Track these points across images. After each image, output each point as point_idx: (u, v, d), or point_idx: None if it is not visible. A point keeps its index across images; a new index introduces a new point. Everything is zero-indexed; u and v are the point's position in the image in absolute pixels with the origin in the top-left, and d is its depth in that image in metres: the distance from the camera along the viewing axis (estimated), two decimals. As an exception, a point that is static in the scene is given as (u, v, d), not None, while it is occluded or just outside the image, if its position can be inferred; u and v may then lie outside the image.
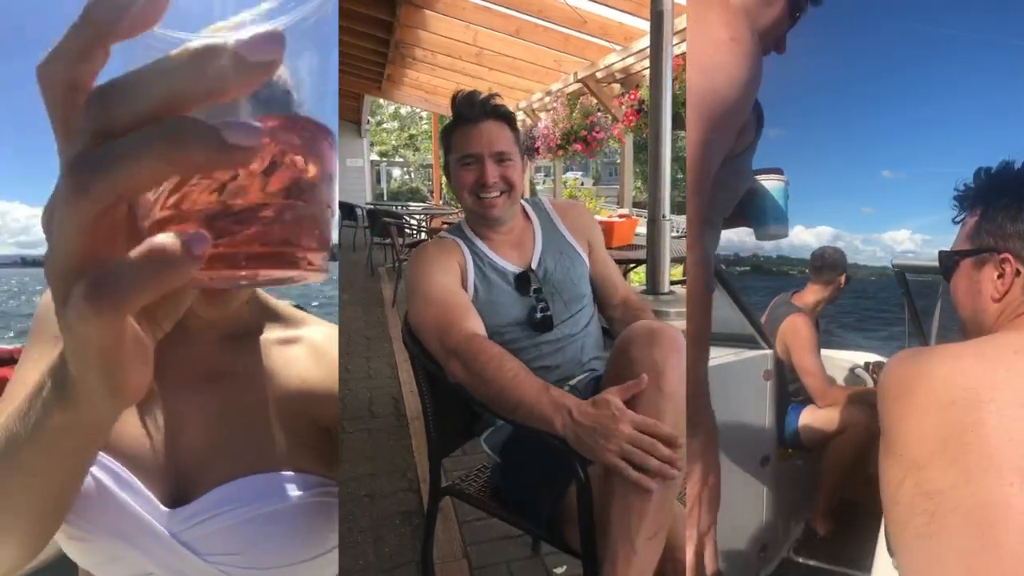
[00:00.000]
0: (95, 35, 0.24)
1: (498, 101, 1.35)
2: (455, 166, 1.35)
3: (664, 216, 2.37)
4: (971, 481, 0.61)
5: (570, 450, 1.00)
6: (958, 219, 0.87)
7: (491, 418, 1.30)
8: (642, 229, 3.35)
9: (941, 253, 0.88)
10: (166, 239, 0.23)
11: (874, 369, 2.29)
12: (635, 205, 6.64)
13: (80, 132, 0.24)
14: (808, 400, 1.99)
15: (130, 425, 0.65)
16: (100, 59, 0.25)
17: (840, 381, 2.32)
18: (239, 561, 0.62)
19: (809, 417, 1.97)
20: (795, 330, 1.98)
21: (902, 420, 0.68)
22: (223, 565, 0.62)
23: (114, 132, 0.23)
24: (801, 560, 1.91)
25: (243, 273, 0.26)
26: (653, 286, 2.40)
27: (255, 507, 0.62)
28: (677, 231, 2.69)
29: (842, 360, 2.38)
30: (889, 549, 1.08)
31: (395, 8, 5.35)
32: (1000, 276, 0.79)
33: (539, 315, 1.32)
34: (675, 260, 2.58)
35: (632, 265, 3.45)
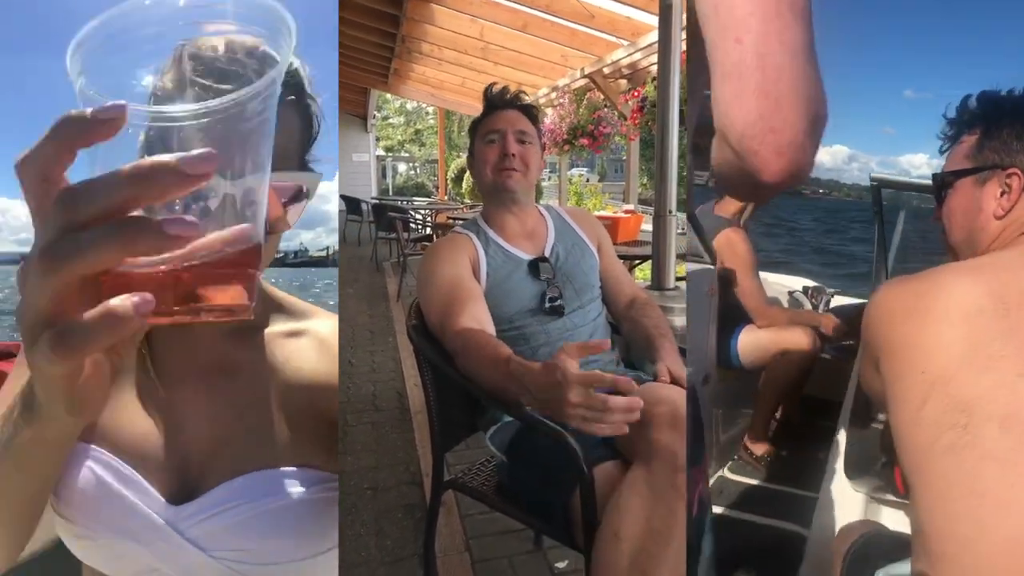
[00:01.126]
0: (64, 142, 0.30)
1: (525, 99, 1.48)
2: (480, 147, 1.42)
3: (670, 212, 2.36)
4: (1004, 386, 0.60)
5: (573, 448, 1.00)
6: (945, 148, 0.87)
7: (495, 413, 1.30)
8: (647, 226, 3.35)
9: (935, 174, 0.87)
10: (118, 303, 0.29)
11: (813, 294, 2.23)
12: (640, 202, 6.61)
13: (50, 223, 0.29)
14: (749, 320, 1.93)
15: (134, 421, 0.65)
16: (68, 159, 0.30)
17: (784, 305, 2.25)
18: (245, 557, 0.61)
19: (748, 337, 1.92)
20: (731, 246, 1.88)
21: (919, 336, 0.66)
22: (229, 561, 0.61)
23: (78, 226, 0.29)
24: (736, 478, 1.91)
25: (179, 315, 0.32)
26: (658, 282, 2.40)
27: (261, 503, 0.61)
28: (682, 227, 2.68)
29: (779, 284, 2.33)
30: (847, 473, 1.07)
31: (401, 2, 5.33)
32: (1004, 192, 0.79)
33: (549, 303, 1.34)
34: (680, 256, 2.57)
35: (638, 261, 3.44)
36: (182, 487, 0.63)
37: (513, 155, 1.38)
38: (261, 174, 0.35)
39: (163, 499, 0.62)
